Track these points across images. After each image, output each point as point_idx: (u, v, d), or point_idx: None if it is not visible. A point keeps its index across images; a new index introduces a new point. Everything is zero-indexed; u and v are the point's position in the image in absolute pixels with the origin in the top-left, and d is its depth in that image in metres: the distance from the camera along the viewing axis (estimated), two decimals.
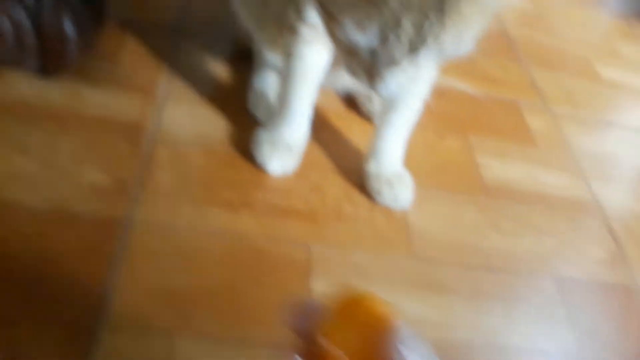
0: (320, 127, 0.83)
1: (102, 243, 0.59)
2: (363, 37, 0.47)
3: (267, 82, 0.82)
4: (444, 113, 0.92)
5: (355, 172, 0.78)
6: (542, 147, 0.98)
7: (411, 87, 0.67)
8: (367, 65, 0.50)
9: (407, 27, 0.44)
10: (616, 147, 1.07)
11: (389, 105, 0.72)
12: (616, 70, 1.32)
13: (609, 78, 1.29)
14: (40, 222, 0.59)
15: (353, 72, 0.53)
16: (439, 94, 0.72)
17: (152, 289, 0.57)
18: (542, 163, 0.95)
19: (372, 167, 0.75)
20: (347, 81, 0.64)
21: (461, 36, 0.47)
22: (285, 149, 0.73)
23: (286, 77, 0.71)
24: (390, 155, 0.75)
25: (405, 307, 0.64)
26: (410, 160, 0.82)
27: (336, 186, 0.75)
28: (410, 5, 0.43)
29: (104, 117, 0.73)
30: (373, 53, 0.48)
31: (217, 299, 0.58)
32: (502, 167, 0.90)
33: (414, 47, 0.46)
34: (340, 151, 0.81)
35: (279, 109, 0.73)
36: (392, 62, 0.48)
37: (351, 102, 0.89)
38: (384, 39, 0.46)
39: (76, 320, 0.53)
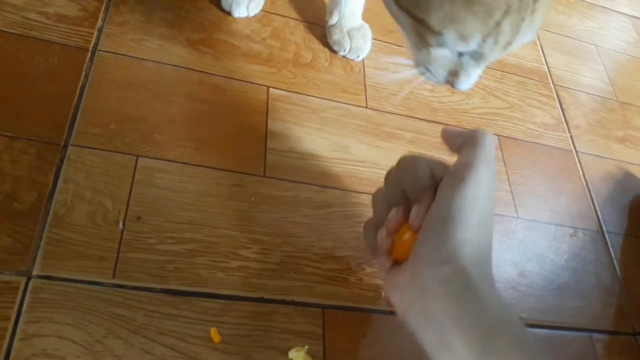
0: None
1: (70, 69, 0.62)
2: (464, 46, 0.45)
3: None
4: None
5: (317, 23, 0.80)
6: None
7: None
8: (453, 65, 0.49)
9: (506, 30, 0.44)
10: (579, 23, 1.10)
11: None
12: None
13: None
14: (10, 45, 0.61)
15: (432, 74, 0.51)
16: None
17: (117, 115, 0.61)
18: None
19: (333, 20, 0.77)
20: None
21: (537, 27, 0.47)
22: None
23: None
24: (351, 8, 0.76)
25: (352, 148, 0.70)
26: (375, 15, 0.84)
27: (297, 35, 0.78)
28: (511, 11, 0.43)
29: None
30: (464, 55, 0.48)
31: (178, 127, 0.62)
32: None
33: (507, 46, 0.46)
34: (305, 2, 0.82)
35: None
36: (483, 60, 0.48)
37: None
38: (482, 44, 0.45)
39: (46, 137, 0.56)
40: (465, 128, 0.79)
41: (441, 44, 0.46)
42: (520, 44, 0.47)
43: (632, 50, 1.11)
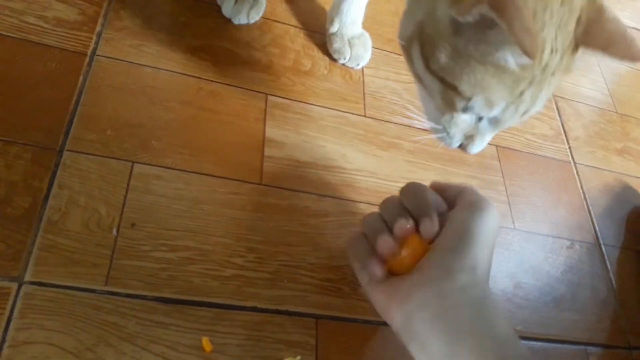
0: None
1: (68, 74, 0.62)
2: (489, 112, 0.48)
3: None
4: None
5: (318, 31, 0.80)
6: None
7: None
8: (471, 129, 0.52)
9: (527, 99, 0.47)
10: None
11: None
12: None
13: None
14: (8, 48, 0.61)
15: (449, 138, 0.53)
16: None
17: (114, 120, 0.60)
18: None
19: (334, 28, 0.77)
20: None
21: (550, 95, 0.50)
22: (251, 1, 0.74)
23: None
24: (352, 17, 0.76)
25: (350, 157, 0.70)
26: (375, 24, 0.85)
27: (297, 42, 0.77)
28: (534, 82, 0.45)
29: None
30: (483, 120, 0.51)
31: (176, 133, 0.62)
32: None
33: (524, 114, 0.49)
34: (305, 9, 0.82)
35: None
36: (500, 125, 0.51)
37: None
38: (504, 111, 0.48)
39: (42, 142, 0.56)
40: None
41: (467, 109, 0.48)
42: (534, 113, 0.49)
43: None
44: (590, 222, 0.80)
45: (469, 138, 0.52)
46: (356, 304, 0.59)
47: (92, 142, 0.58)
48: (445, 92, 0.48)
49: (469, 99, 0.47)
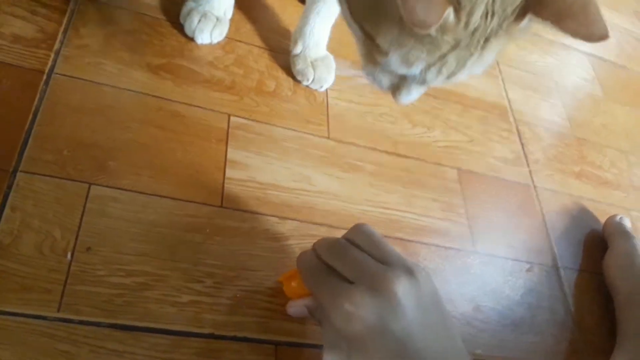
0: (255, 4, 0.84)
1: (24, 92, 0.60)
2: (406, 70, 0.46)
3: None
4: None
5: (282, 52, 0.80)
6: None
7: None
8: (396, 81, 0.50)
9: (451, 62, 0.45)
10: (539, 59, 1.13)
11: None
12: None
13: None
14: None
15: (375, 81, 0.52)
16: None
17: (71, 140, 0.59)
18: None
19: (297, 49, 0.77)
20: None
21: (488, 62, 0.48)
22: (214, 20, 0.73)
23: None
24: (316, 39, 0.77)
25: (313, 179, 0.69)
26: (340, 46, 0.85)
27: (261, 63, 0.77)
28: (458, 46, 0.43)
29: None
30: (407, 76, 0.48)
31: (134, 154, 0.61)
32: None
33: (451, 76, 0.47)
34: (270, 30, 0.82)
35: None
36: (425, 84, 0.49)
37: None
38: (425, 70, 0.46)
39: None
40: (425, 161, 0.79)
41: (386, 64, 0.47)
42: (467, 75, 0.48)
43: (588, 87, 1.14)
44: (549, 244, 0.82)
45: (396, 88, 0.51)
46: (316, 329, 0.58)
47: (48, 163, 0.57)
48: (367, 42, 0.47)
49: (386, 54, 0.45)
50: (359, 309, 0.45)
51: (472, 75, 0.48)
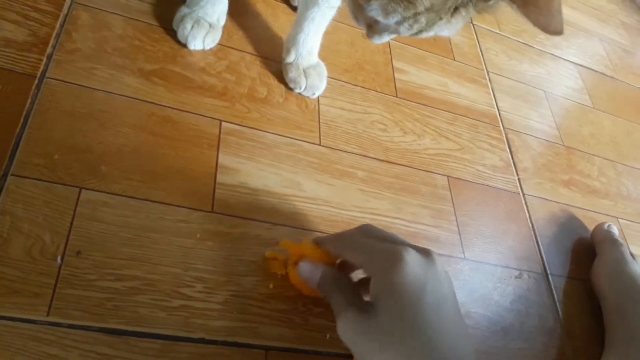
0: (247, 12, 0.85)
1: (15, 96, 0.60)
2: (384, 19, 0.52)
3: None
4: None
5: (274, 59, 0.80)
6: (458, 60, 1.04)
7: None
8: (373, 24, 0.56)
9: (422, 21, 0.51)
10: (529, 69, 1.14)
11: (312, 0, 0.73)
12: None
13: None
14: None
15: (356, 20, 0.59)
16: None
17: (62, 145, 0.59)
18: (455, 74, 1.00)
19: (290, 58, 0.78)
20: None
21: (455, 28, 0.55)
22: (207, 27, 0.74)
23: None
24: (309, 47, 0.77)
25: (304, 185, 0.70)
26: (332, 54, 0.86)
27: (253, 69, 0.78)
28: (432, 9, 0.49)
29: None
30: (382, 23, 0.55)
31: (126, 159, 0.61)
32: (416, 74, 0.95)
33: (420, 32, 0.54)
34: (263, 37, 0.82)
35: None
36: (396, 34, 0.56)
37: None
38: (399, 23, 0.52)
39: None
40: (416, 169, 0.80)
41: (368, 9, 0.52)
42: (434, 34, 0.55)
43: (577, 97, 1.15)
44: (538, 252, 0.82)
45: (369, 29, 0.58)
46: (307, 334, 0.58)
47: (39, 167, 0.57)
48: None
49: (368, 2, 0.51)
50: (411, 259, 0.48)
51: (439, 37, 0.59)
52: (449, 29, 0.54)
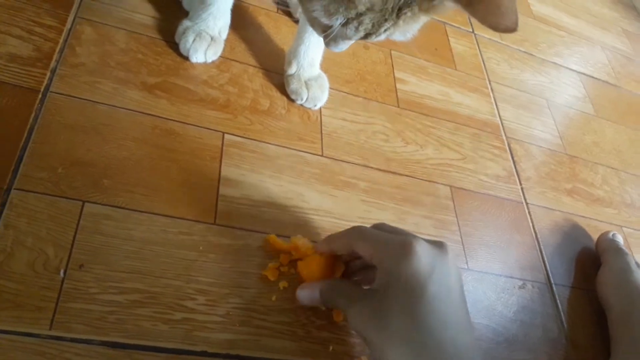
0: (250, 25, 0.85)
1: (19, 110, 0.60)
2: (328, 21, 0.51)
3: None
4: None
5: (276, 71, 0.80)
6: (460, 70, 1.04)
7: None
8: (327, 31, 0.55)
9: (367, 22, 0.50)
10: (531, 78, 1.14)
11: None
12: (548, 7, 1.38)
13: (540, 13, 1.34)
14: None
15: (313, 26, 0.59)
16: None
17: (65, 158, 0.59)
18: (457, 84, 1.00)
19: (292, 70, 0.78)
20: None
21: (408, 31, 0.55)
22: (209, 40, 0.74)
23: None
24: (310, 59, 0.78)
25: (306, 196, 0.70)
26: (334, 65, 0.86)
27: (255, 82, 0.78)
28: (373, 9, 0.49)
29: None
30: (333, 28, 0.54)
31: (129, 172, 0.61)
32: (418, 84, 0.95)
33: (368, 35, 0.53)
34: (265, 49, 0.83)
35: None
36: (347, 39, 0.55)
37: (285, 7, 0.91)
38: (345, 25, 0.51)
39: None
40: (418, 179, 0.80)
41: (312, 10, 0.52)
42: (386, 38, 0.54)
43: (580, 105, 1.15)
44: (542, 261, 0.82)
45: (325, 36, 0.56)
46: (309, 346, 0.58)
47: (42, 181, 0.57)
48: None
49: (311, 2, 0.51)
50: (421, 249, 0.51)
51: (398, 41, 0.56)
52: (400, 32, 0.53)
